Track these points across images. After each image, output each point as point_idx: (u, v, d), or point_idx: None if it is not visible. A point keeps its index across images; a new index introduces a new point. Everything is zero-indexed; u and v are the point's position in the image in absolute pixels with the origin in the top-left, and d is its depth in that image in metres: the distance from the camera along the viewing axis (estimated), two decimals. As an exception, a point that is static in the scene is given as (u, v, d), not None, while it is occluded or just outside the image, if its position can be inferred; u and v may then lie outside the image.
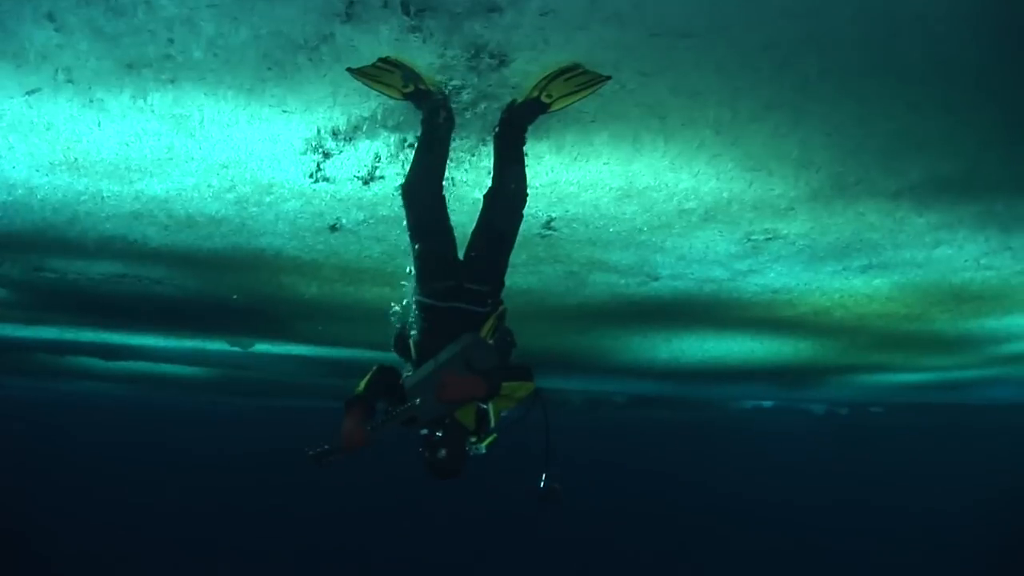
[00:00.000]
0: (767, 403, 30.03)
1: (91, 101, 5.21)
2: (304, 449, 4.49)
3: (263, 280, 9.99)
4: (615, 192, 6.55)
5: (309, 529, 32.80)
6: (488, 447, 4.72)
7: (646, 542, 33.58)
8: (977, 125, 5.48)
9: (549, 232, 7.57)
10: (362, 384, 4.83)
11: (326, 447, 4.50)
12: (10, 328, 15.32)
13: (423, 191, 4.93)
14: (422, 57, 4.63)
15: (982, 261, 8.33)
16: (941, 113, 5.29)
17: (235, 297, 11.49)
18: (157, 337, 16.51)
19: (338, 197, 6.83)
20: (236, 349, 17.20)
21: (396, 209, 6.87)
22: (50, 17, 4.31)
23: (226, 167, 6.31)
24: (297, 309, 11.83)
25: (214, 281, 10.23)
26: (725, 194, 6.56)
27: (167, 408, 35.45)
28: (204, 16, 4.28)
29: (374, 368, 4.94)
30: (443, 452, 4.60)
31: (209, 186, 6.72)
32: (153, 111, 5.34)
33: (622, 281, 9.52)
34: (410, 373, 4.76)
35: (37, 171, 6.46)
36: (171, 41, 4.51)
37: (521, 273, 8.87)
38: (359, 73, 4.62)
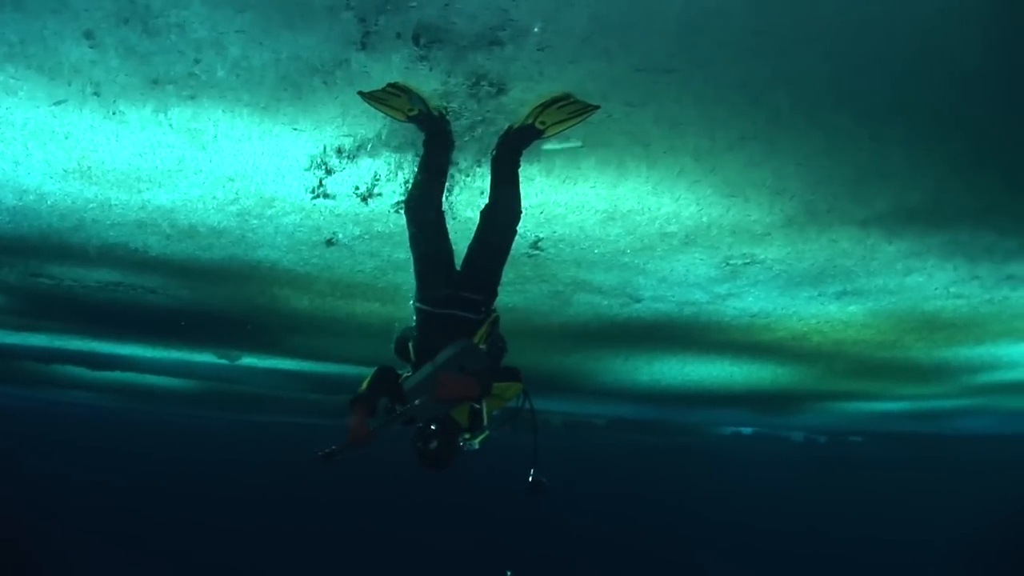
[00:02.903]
0: (746, 430, 29.98)
1: (113, 113, 5.50)
2: (313, 450, 4.78)
3: (256, 292, 10.18)
4: (600, 215, 6.84)
5: (295, 541, 32.68)
6: (481, 443, 5.02)
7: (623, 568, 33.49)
8: (937, 158, 5.81)
9: (536, 252, 7.82)
10: (364, 384, 5.12)
11: (333, 447, 4.80)
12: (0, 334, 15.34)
13: (424, 206, 5.26)
14: (427, 84, 4.95)
15: (952, 289, 8.59)
16: (903, 146, 5.62)
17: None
18: (146, 347, 16.56)
19: (336, 212, 7.09)
20: (223, 362, 17.27)
21: (391, 226, 7.18)
22: (88, 35, 4.62)
23: (232, 180, 6.58)
24: (288, 322, 11.97)
25: (208, 292, 10.40)
26: (704, 219, 6.84)
27: (151, 421, 35.26)
28: (232, 40, 4.61)
29: (375, 369, 5.23)
30: (434, 444, 4.89)
31: (214, 198, 6.97)
32: (171, 125, 5.64)
33: (605, 302, 9.74)
34: (409, 374, 5.06)
35: (50, 178, 6.71)
36: (197, 61, 4.83)
37: (507, 292, 8.93)
38: (369, 96, 4.96)
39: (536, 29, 4.42)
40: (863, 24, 4.34)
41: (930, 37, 4.44)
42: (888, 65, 4.68)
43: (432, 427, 4.87)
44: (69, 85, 5.17)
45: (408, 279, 5.64)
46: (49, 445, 38.12)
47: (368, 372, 5.26)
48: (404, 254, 7.33)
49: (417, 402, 4.83)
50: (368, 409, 4.94)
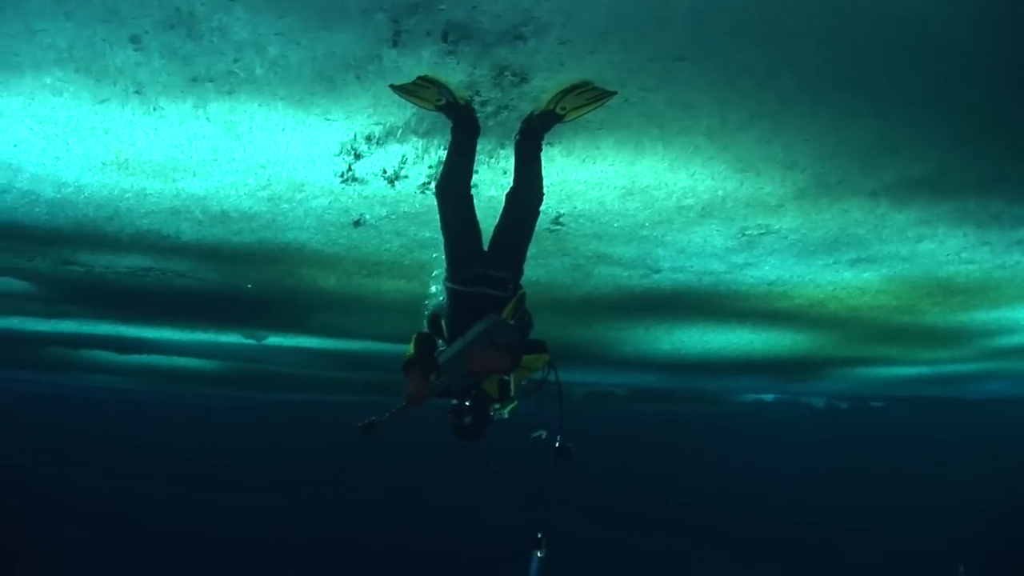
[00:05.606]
0: (768, 396, 29.90)
1: (154, 109, 5.75)
2: (356, 423, 5.07)
3: (284, 272, 10.43)
4: (619, 190, 7.06)
5: (317, 524, 32.81)
6: (510, 412, 5.33)
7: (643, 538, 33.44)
8: (938, 133, 6.00)
9: (558, 227, 8.03)
10: (411, 348, 5.38)
11: (373, 418, 5.09)
12: (30, 322, 15.57)
13: (454, 190, 5.49)
14: (454, 75, 5.19)
15: (963, 255, 8.76)
16: (904, 123, 5.83)
17: (249, 286, 11.80)
18: (173, 330, 16.77)
19: (364, 195, 7.33)
20: (250, 342, 17.50)
21: (417, 206, 7.44)
22: (134, 40, 4.87)
23: (264, 167, 6.82)
24: (315, 301, 12.24)
25: (237, 274, 10.66)
26: (720, 192, 7.06)
27: (178, 405, 35.43)
28: (271, 40, 4.85)
29: (415, 335, 5.50)
30: (468, 419, 5.20)
31: (246, 184, 7.21)
32: (208, 118, 5.88)
33: (625, 274, 9.95)
34: (443, 348, 5.34)
35: (88, 171, 6.97)
36: (237, 60, 5.07)
37: (530, 266, 8.89)
38: (400, 89, 5.21)
39: (557, 25, 4.65)
40: (860, 9, 4.55)
41: (923, 19, 4.63)
42: (885, 48, 4.89)
43: (466, 403, 5.16)
44: (114, 85, 5.41)
45: (432, 256, 5.87)
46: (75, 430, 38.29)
47: (405, 346, 5.47)
48: (429, 232, 7.65)
49: (450, 375, 5.11)
50: (422, 371, 5.20)
